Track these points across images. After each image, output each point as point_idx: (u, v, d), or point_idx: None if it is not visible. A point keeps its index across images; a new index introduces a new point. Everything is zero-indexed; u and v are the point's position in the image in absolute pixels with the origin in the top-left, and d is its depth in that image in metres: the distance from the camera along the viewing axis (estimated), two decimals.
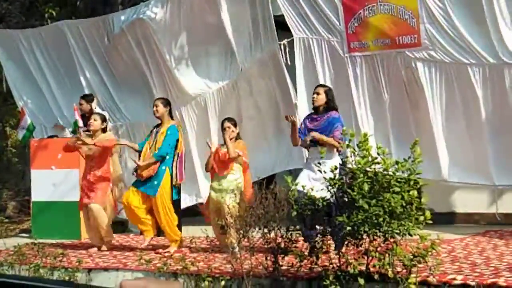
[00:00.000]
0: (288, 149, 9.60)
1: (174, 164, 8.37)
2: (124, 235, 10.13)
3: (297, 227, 6.31)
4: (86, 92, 10.78)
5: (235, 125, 8.17)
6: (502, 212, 9.21)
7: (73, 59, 11.31)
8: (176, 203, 8.58)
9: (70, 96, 11.35)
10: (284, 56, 9.62)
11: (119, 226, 10.28)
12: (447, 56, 8.72)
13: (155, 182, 8.28)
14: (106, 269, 7.46)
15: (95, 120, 8.80)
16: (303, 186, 6.36)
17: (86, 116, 9.52)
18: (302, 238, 6.64)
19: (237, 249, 6.51)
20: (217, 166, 8.05)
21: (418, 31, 8.77)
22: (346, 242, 6.03)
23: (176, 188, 8.44)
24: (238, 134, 8.19)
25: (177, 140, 8.42)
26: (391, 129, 9.15)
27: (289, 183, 6.15)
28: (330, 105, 7.62)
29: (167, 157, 8.34)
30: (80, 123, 9.60)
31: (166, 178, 8.30)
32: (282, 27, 9.75)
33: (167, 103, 8.61)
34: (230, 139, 8.01)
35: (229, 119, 8.24)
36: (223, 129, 8.12)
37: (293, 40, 9.56)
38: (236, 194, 7.72)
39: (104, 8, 13.40)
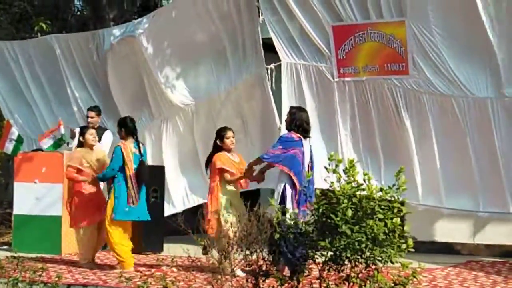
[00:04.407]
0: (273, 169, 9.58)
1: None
2: (105, 251, 10.05)
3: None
4: (74, 107, 10.76)
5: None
6: (483, 243, 9.26)
7: (61, 74, 11.31)
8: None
9: (56, 110, 11.35)
10: (270, 80, 9.68)
11: None
12: (432, 87, 8.77)
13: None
14: (85, 286, 7.37)
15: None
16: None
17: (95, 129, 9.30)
18: (284, 263, 6.58)
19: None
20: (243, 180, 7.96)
21: (406, 60, 8.84)
22: (327, 268, 6.01)
23: (121, 208, 8.08)
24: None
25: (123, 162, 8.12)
26: (381, 154, 9.18)
27: (273, 205, 6.13)
28: (290, 127, 7.58)
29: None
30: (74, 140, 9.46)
31: (111, 197, 8.19)
32: (270, 49, 9.79)
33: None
34: (231, 149, 7.96)
35: (230, 129, 8.06)
36: (226, 137, 7.89)
37: (280, 64, 9.60)
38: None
39: (95, 24, 13.45)
